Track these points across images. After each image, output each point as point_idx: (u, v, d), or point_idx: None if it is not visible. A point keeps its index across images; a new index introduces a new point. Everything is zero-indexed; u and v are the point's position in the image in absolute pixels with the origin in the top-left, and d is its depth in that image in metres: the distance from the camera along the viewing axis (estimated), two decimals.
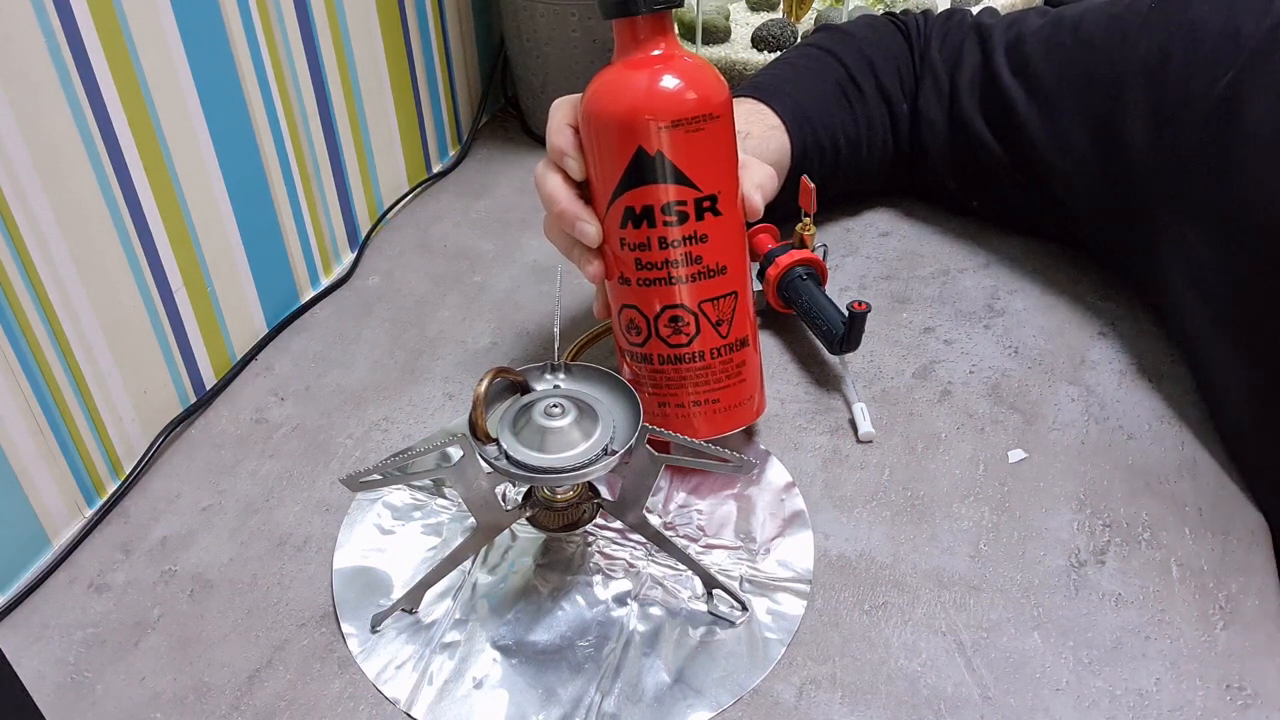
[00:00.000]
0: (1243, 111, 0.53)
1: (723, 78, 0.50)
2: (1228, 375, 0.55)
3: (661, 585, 0.50)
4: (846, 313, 0.58)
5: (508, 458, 0.44)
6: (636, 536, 0.51)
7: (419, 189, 0.83)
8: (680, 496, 0.54)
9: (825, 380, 0.62)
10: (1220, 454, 0.55)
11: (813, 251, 0.63)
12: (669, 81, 0.49)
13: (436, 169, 0.86)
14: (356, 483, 0.44)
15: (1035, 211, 0.69)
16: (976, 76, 0.67)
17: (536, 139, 0.91)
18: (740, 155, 0.52)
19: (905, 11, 0.73)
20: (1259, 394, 0.54)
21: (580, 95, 0.51)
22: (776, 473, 0.55)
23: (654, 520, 0.52)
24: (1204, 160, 0.55)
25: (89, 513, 0.55)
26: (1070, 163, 0.63)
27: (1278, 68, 0.52)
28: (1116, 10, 0.61)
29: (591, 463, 0.44)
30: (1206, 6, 0.56)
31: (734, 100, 0.51)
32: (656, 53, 0.49)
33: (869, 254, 0.72)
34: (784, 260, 0.62)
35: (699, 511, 0.53)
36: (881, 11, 0.76)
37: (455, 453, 0.46)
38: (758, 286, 0.63)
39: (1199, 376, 0.59)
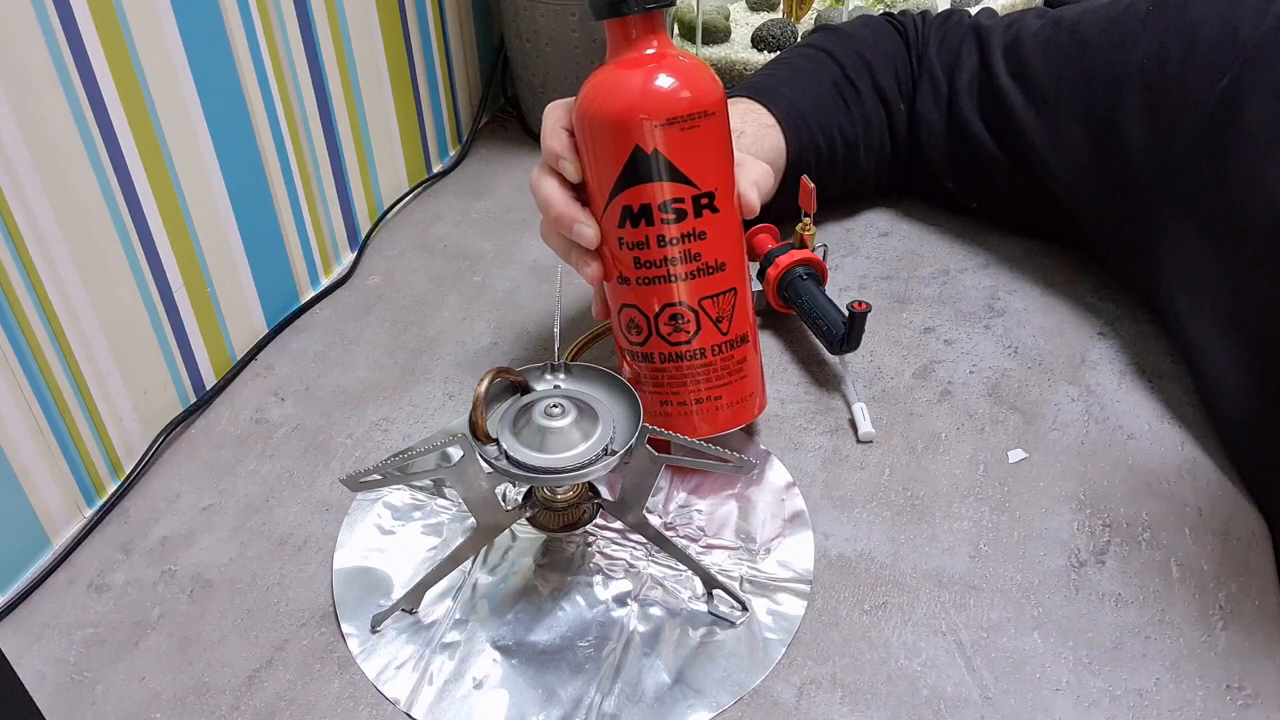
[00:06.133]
0: (1241, 113, 0.53)
1: (716, 75, 0.50)
2: (1225, 376, 0.55)
3: (661, 585, 0.50)
4: (846, 313, 0.58)
5: (508, 458, 0.44)
6: (636, 536, 0.51)
7: (419, 189, 0.83)
8: (680, 496, 0.54)
9: (825, 380, 0.62)
10: (1220, 454, 0.55)
11: (813, 251, 0.63)
12: (664, 80, 0.49)
13: (436, 169, 0.86)
14: (356, 483, 0.44)
15: (1033, 212, 0.69)
16: (975, 78, 0.67)
17: (537, 139, 0.90)
18: (736, 153, 0.52)
19: (904, 12, 0.74)
20: (1257, 394, 0.54)
21: (574, 98, 0.51)
22: (776, 473, 0.55)
23: (654, 520, 0.52)
24: (1203, 162, 0.55)
25: (89, 513, 0.55)
26: (1068, 164, 0.63)
27: (1276, 70, 0.52)
28: (1114, 12, 0.61)
29: (591, 463, 0.44)
30: (1204, 9, 0.56)
31: (730, 100, 0.51)
32: (650, 52, 0.49)
33: (869, 254, 0.72)
34: (784, 260, 0.62)
35: (699, 511, 0.53)
36: (880, 12, 0.76)
37: (455, 453, 0.46)
38: (757, 286, 0.63)
39: (1196, 377, 0.59)
